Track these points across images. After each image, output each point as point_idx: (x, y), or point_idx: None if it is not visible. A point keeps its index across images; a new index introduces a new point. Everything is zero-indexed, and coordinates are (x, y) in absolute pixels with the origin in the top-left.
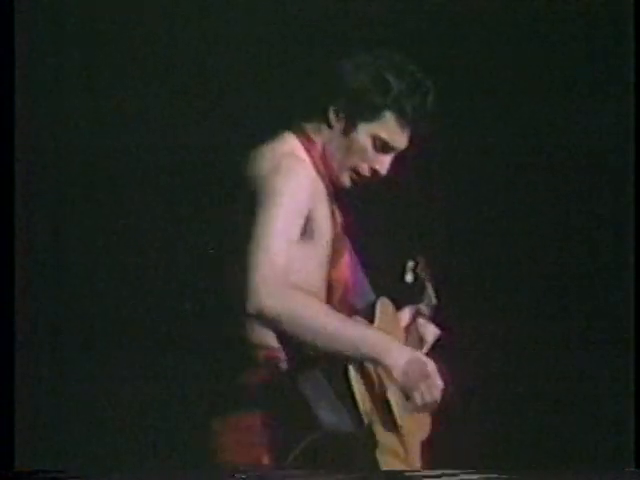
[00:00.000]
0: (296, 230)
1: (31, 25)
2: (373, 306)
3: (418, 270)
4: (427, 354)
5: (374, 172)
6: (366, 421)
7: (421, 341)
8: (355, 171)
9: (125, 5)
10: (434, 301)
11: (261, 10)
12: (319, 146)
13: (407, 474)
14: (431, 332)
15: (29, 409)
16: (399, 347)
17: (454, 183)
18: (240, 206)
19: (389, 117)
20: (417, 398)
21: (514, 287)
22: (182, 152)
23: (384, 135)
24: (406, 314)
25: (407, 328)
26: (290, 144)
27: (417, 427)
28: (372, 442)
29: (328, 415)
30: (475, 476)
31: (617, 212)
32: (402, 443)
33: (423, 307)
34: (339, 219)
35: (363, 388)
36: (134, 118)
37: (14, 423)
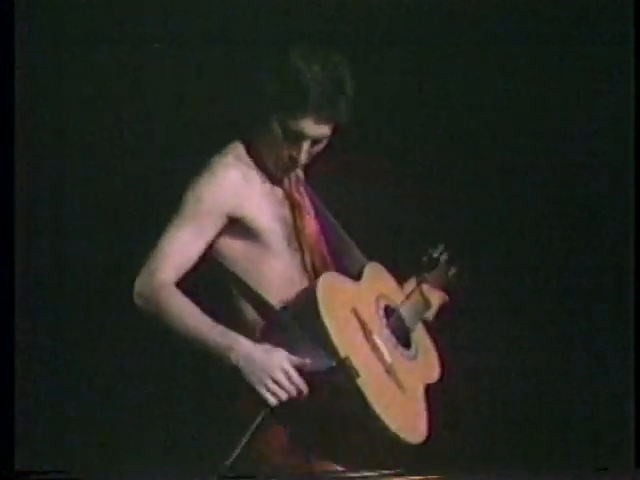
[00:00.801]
0: (195, 235)
1: (31, 25)
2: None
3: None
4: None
5: (292, 159)
6: (342, 355)
7: (427, 304)
8: (281, 162)
9: (125, 5)
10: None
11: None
12: (261, 151)
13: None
14: (437, 296)
15: (29, 409)
16: (244, 345)
17: (453, 184)
18: None
19: (306, 114)
20: (263, 393)
21: (514, 287)
22: (182, 154)
23: (309, 131)
24: (411, 283)
25: (409, 294)
26: (230, 153)
27: (418, 369)
28: (352, 372)
29: (309, 357)
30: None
31: (617, 212)
32: (394, 380)
33: (428, 276)
34: (302, 203)
35: (337, 326)
36: (135, 120)
37: (14, 423)
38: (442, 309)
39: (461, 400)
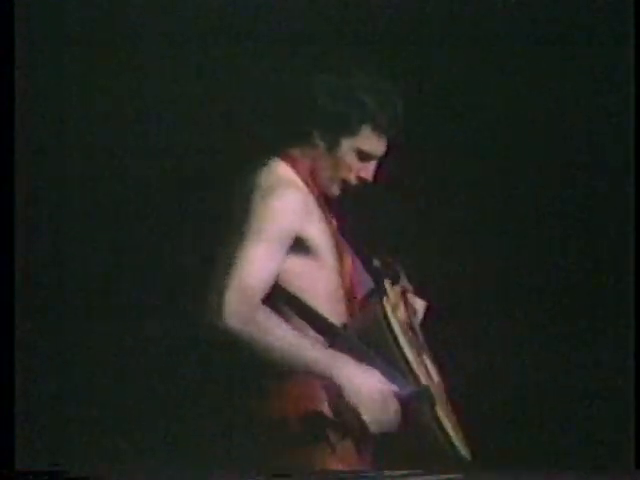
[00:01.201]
0: (273, 255)
1: (31, 25)
2: (371, 293)
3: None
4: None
5: (360, 179)
6: (423, 381)
7: (414, 313)
8: (344, 182)
9: (125, 6)
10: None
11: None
12: (307, 166)
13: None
14: (420, 304)
15: (29, 409)
16: (354, 367)
17: (452, 185)
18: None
19: (367, 131)
20: (367, 419)
21: (514, 287)
22: (182, 157)
23: (365, 147)
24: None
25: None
26: (278, 169)
27: (440, 386)
28: (432, 399)
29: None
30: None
31: (617, 212)
32: (447, 399)
33: (406, 284)
34: (335, 225)
35: (410, 352)
36: (135, 120)
37: (14, 423)
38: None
39: (460, 400)
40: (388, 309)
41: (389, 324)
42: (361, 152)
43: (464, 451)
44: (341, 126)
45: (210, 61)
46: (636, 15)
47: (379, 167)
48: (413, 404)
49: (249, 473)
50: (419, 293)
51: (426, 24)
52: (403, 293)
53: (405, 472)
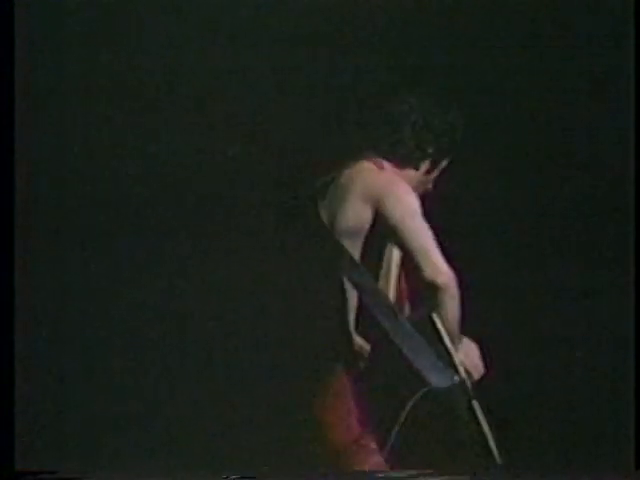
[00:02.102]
0: None
1: (31, 25)
2: None
3: None
4: None
5: (426, 189)
6: (463, 375)
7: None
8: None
9: (125, 6)
10: None
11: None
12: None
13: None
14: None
15: (29, 409)
16: None
17: (452, 184)
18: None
19: (452, 154)
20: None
21: (514, 287)
22: (182, 157)
23: (445, 165)
24: None
25: None
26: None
27: None
28: (468, 394)
29: (433, 374)
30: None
31: (617, 211)
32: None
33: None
34: None
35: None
36: (135, 120)
37: (14, 423)
38: None
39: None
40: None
41: (436, 326)
42: (440, 170)
43: (496, 451)
44: (446, 151)
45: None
46: (636, 15)
47: None
48: (450, 395)
49: (249, 473)
50: None
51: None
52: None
53: (414, 472)
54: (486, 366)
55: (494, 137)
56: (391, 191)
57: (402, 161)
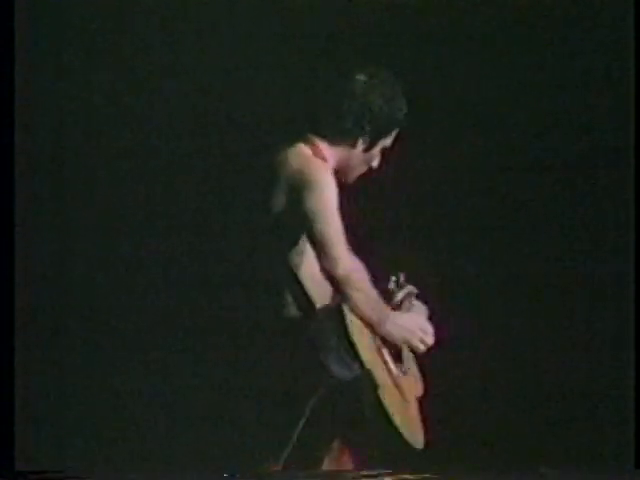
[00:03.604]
0: None
1: (31, 25)
2: None
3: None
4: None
5: (369, 169)
6: (367, 367)
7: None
8: (358, 175)
9: (125, 6)
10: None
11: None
12: (333, 158)
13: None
14: (421, 309)
15: (29, 409)
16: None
17: (452, 183)
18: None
19: (395, 131)
20: (416, 344)
21: (514, 287)
22: (182, 154)
23: (389, 143)
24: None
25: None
26: (307, 152)
27: (410, 383)
28: (374, 384)
29: (336, 365)
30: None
31: (617, 212)
32: (399, 391)
33: (411, 288)
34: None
35: (359, 340)
36: (137, 119)
37: (14, 423)
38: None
39: (460, 400)
40: (346, 310)
41: (344, 322)
42: (384, 149)
43: (412, 439)
44: (384, 130)
45: (217, 60)
46: (636, 15)
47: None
48: (355, 386)
49: (248, 473)
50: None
51: (428, 23)
52: (408, 295)
53: (406, 472)
54: (435, 327)
55: (492, 137)
56: (312, 181)
57: (339, 137)
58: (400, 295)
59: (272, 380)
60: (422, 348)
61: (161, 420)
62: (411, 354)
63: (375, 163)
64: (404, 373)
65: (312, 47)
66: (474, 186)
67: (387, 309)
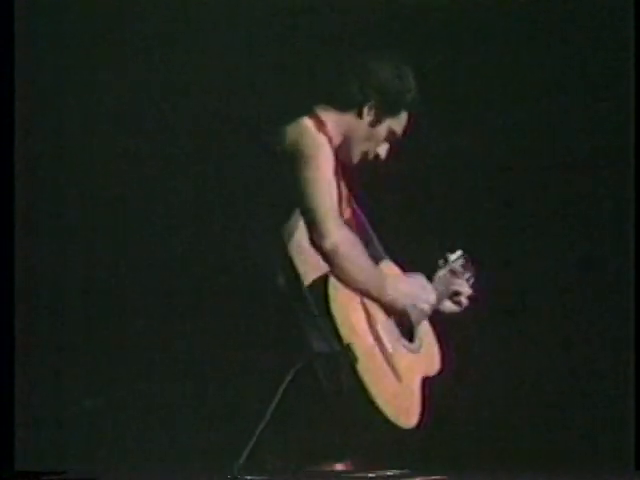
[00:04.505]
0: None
1: (31, 26)
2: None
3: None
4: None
5: (377, 157)
6: (346, 341)
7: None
8: (364, 154)
9: (125, 6)
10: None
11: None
12: (338, 130)
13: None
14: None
15: (29, 409)
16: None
17: (453, 184)
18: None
19: (403, 114)
20: (421, 304)
21: (514, 287)
22: (181, 154)
23: (397, 129)
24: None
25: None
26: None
27: (417, 362)
28: (353, 358)
29: (315, 339)
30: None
31: (617, 212)
32: (392, 369)
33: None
34: (344, 191)
35: (343, 315)
36: (135, 116)
37: (14, 423)
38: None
39: (460, 401)
40: (331, 281)
41: (326, 293)
42: (391, 132)
43: (394, 417)
44: (391, 105)
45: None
46: (636, 15)
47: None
48: (334, 360)
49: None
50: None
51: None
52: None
53: (406, 472)
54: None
55: (493, 137)
56: (308, 153)
57: (344, 103)
58: None
59: (255, 353)
60: (427, 309)
61: (161, 420)
62: (430, 329)
63: (382, 150)
64: (411, 351)
65: (320, 25)
66: (473, 186)
67: (384, 276)
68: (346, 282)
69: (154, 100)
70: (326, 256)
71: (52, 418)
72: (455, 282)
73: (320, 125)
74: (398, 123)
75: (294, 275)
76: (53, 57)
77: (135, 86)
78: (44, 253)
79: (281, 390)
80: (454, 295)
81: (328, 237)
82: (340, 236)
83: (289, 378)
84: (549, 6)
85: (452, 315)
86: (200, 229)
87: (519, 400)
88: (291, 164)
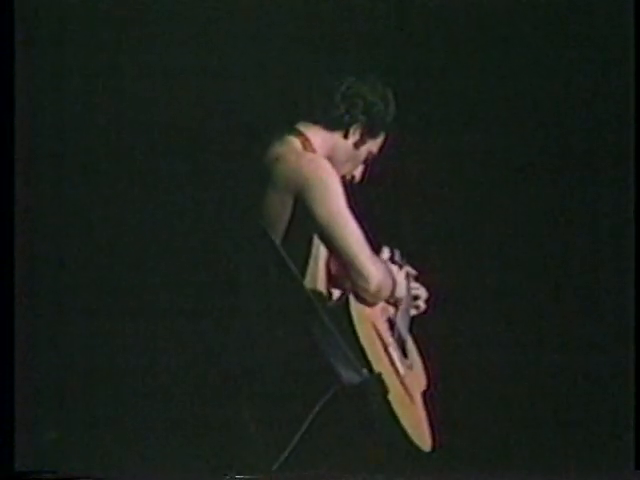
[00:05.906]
0: None
1: (31, 27)
2: None
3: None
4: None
5: (352, 178)
6: (376, 370)
7: (415, 299)
8: (342, 177)
9: (125, 6)
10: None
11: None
12: (324, 147)
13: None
14: (422, 292)
15: (29, 409)
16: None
17: (451, 183)
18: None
19: (382, 135)
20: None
21: (514, 287)
22: (181, 154)
23: (375, 150)
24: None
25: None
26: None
27: (415, 379)
28: (384, 389)
29: (344, 369)
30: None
31: (617, 212)
32: (407, 392)
33: (410, 270)
34: None
35: (368, 343)
36: (136, 118)
37: (14, 423)
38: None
39: (460, 401)
40: (352, 307)
41: (351, 321)
42: (370, 153)
43: (420, 442)
44: (374, 127)
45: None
46: (636, 15)
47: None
48: (364, 390)
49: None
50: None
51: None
52: (407, 277)
53: (410, 476)
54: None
55: (493, 137)
56: (315, 179)
57: (331, 124)
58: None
59: (278, 383)
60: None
61: (162, 420)
62: (414, 346)
63: (358, 173)
64: (409, 368)
65: (307, 47)
66: (473, 186)
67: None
68: (373, 301)
69: (154, 100)
70: (367, 293)
71: (52, 418)
72: (412, 286)
73: (307, 144)
74: (376, 144)
75: (311, 303)
76: (53, 57)
77: (135, 86)
78: (44, 253)
79: (309, 420)
80: (414, 300)
81: (370, 280)
82: (380, 276)
83: (317, 409)
84: (549, 6)
85: (450, 314)
86: (202, 242)
87: (519, 400)
88: (294, 191)
